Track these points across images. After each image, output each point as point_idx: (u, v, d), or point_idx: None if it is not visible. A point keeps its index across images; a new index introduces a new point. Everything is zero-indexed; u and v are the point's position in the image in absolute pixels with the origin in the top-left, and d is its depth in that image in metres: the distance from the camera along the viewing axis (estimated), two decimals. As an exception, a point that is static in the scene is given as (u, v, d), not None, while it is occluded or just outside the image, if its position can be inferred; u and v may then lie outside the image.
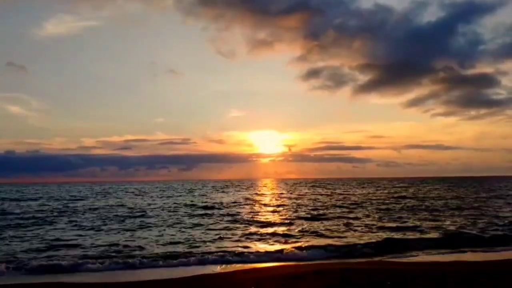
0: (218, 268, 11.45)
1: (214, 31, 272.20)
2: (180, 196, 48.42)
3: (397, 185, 79.22)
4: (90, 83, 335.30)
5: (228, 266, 11.76)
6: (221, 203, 34.34)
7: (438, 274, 9.54)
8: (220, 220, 21.57)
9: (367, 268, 10.58)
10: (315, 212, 25.09)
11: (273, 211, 26.77)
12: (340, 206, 29.46)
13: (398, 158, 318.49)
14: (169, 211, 27.05)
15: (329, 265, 11.28)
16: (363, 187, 71.75)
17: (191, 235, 16.76)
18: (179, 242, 15.14)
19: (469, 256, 12.99)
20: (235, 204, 33.61)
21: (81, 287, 9.36)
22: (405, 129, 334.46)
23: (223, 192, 58.45)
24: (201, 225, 19.87)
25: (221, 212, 26.42)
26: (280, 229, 18.14)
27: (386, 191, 53.69)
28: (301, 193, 51.88)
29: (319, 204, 32.39)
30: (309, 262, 12.05)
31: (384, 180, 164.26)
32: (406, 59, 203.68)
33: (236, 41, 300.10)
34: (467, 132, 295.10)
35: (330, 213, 24.94)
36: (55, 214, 26.18)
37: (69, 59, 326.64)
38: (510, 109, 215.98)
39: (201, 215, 24.63)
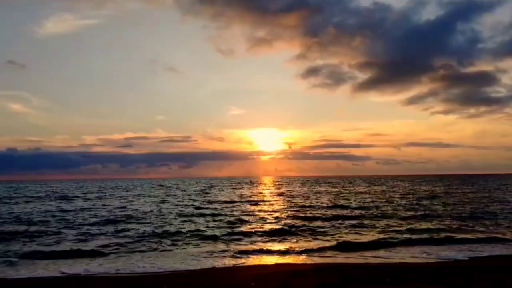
0: (219, 262, 11.77)
1: (214, 29, 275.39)
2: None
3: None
4: (91, 81, 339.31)
5: (228, 259, 12.11)
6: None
7: (437, 270, 9.86)
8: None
9: (367, 265, 10.91)
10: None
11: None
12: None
13: (397, 156, 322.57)
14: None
15: (330, 263, 11.59)
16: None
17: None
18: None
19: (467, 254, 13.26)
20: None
21: (90, 280, 9.66)
22: (404, 127, 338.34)
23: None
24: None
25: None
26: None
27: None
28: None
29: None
30: (310, 260, 12.32)
31: (385, 177, 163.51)
32: (405, 57, 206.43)
33: (236, 39, 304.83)
34: (466, 130, 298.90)
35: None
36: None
37: (70, 57, 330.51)
38: (509, 107, 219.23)
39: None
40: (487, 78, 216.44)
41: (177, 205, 32.18)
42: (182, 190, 60.68)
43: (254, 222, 20.84)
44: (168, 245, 14.64)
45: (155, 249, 13.99)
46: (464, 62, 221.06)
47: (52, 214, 25.46)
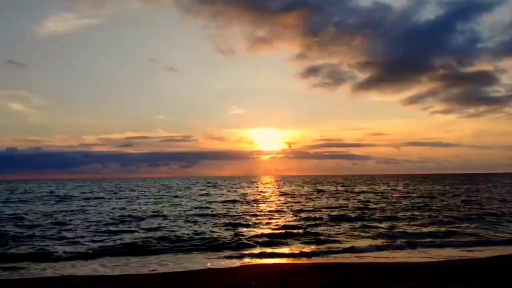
0: (220, 263, 11.93)
1: (214, 28, 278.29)
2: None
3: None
4: (91, 80, 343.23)
5: (230, 261, 12.28)
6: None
7: (437, 269, 9.99)
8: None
9: (367, 264, 11.05)
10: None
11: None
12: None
13: (397, 155, 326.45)
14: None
15: (329, 261, 11.75)
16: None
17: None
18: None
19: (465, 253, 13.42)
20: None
21: (92, 279, 9.82)
22: (404, 126, 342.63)
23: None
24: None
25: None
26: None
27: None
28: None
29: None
30: (309, 259, 12.47)
31: (386, 177, 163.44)
32: (405, 56, 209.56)
33: (235, 38, 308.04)
34: (466, 130, 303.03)
35: None
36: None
37: (70, 56, 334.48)
38: (509, 107, 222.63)
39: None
40: (487, 78, 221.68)
41: (177, 205, 32.36)
42: (182, 190, 60.84)
43: (255, 223, 20.88)
44: (169, 246, 14.79)
45: (156, 250, 14.15)
46: (464, 61, 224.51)
47: (51, 215, 25.64)
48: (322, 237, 16.34)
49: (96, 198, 43.60)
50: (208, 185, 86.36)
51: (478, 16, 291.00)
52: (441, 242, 15.38)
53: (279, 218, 22.56)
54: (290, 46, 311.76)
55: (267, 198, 40.22)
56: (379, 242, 15.38)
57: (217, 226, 19.54)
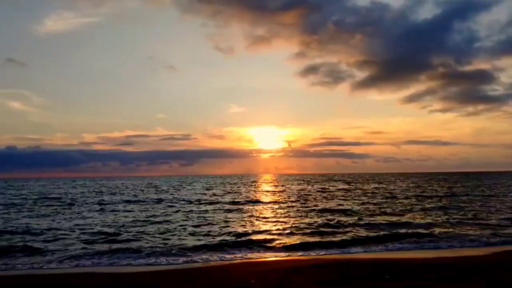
0: (219, 261, 12.30)
1: (213, 27, 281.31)
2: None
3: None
4: (91, 79, 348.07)
5: (230, 260, 12.65)
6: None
7: (436, 267, 10.25)
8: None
9: (366, 262, 11.33)
10: None
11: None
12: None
13: (397, 154, 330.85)
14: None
15: (328, 259, 12.03)
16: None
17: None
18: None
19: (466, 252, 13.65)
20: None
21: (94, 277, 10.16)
22: (403, 125, 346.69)
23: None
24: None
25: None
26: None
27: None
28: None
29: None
30: (309, 256, 12.77)
31: (388, 175, 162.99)
32: (403, 55, 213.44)
33: (235, 37, 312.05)
34: (465, 128, 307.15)
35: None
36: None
37: (69, 55, 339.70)
38: (507, 105, 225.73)
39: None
40: (485, 77, 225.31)
41: (178, 209, 32.69)
42: (183, 191, 61.03)
43: (258, 228, 20.18)
44: (168, 245, 15.16)
45: (155, 249, 14.55)
46: (462, 60, 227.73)
47: (51, 217, 26.03)
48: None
49: (96, 203, 43.92)
50: (209, 185, 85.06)
51: (475, 15, 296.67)
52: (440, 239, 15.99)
53: (283, 222, 22.74)
54: (289, 45, 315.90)
55: (271, 199, 40.21)
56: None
57: (219, 230, 19.97)
